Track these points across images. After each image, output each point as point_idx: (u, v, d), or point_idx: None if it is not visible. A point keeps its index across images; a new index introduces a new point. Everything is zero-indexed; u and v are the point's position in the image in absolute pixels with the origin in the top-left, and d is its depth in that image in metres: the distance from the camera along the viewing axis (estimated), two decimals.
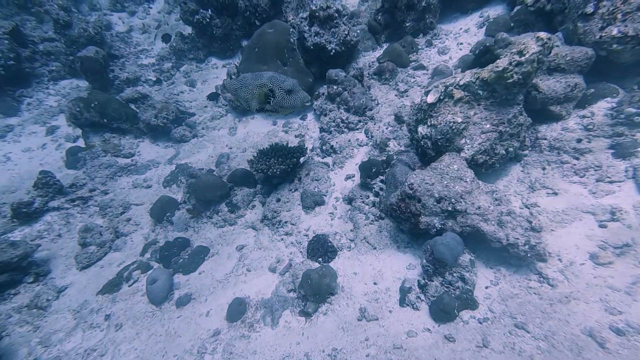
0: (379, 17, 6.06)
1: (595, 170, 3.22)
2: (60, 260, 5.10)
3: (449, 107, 3.53)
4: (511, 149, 3.51)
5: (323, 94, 5.35)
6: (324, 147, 4.94)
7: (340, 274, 3.57)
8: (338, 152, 4.79)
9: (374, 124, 4.87)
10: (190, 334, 3.63)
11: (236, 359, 3.22)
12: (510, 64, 3.17)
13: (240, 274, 4.03)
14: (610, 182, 3.10)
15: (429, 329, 2.91)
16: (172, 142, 6.62)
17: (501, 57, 3.58)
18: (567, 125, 3.51)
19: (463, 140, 3.47)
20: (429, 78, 5.13)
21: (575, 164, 3.34)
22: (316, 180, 4.43)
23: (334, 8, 5.31)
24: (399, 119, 4.69)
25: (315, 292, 3.34)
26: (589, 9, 3.42)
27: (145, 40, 9.35)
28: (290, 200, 4.40)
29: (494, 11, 5.49)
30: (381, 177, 4.00)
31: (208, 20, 7.47)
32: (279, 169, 4.29)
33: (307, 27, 5.42)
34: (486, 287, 3.01)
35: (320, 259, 3.74)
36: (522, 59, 3.12)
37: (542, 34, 3.10)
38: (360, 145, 4.77)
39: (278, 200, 4.44)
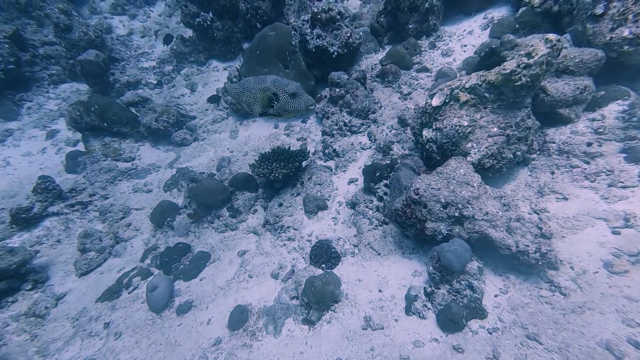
0: (382, 19, 6.00)
1: (606, 175, 3.13)
2: (59, 266, 5.03)
3: (455, 110, 3.45)
4: (519, 153, 3.43)
5: (325, 96, 5.29)
6: (326, 151, 4.86)
7: (344, 281, 3.49)
8: (341, 155, 4.71)
9: (377, 127, 4.79)
10: (191, 342, 3.55)
11: None
12: (518, 66, 3.09)
13: (241, 281, 3.95)
14: (623, 187, 3.02)
15: (436, 339, 2.82)
16: (173, 146, 6.56)
17: (508, 60, 3.51)
18: (576, 128, 3.43)
19: (469, 144, 3.39)
20: (432, 80, 5.06)
21: (585, 168, 3.26)
22: (319, 184, 4.35)
23: (336, 10, 5.25)
24: (402, 122, 4.61)
25: (318, 299, 3.25)
26: (599, 9, 3.35)
27: (146, 44, 9.32)
28: (293, 204, 4.32)
29: (498, 12, 5.43)
30: (385, 182, 3.92)
31: (209, 23, 7.43)
32: (281, 173, 4.22)
33: (309, 30, 5.36)
34: (495, 296, 2.92)
35: (323, 265, 3.66)
36: (531, 61, 3.04)
37: (551, 36, 3.02)
38: (363, 149, 4.70)
39: (280, 204, 4.36)
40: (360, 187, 4.13)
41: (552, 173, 3.44)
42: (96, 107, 6.32)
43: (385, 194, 3.86)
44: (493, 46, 4.12)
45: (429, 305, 3.02)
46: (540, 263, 2.76)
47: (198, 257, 4.35)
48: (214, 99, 6.85)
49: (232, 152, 5.86)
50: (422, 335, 2.87)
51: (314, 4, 5.94)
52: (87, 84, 7.86)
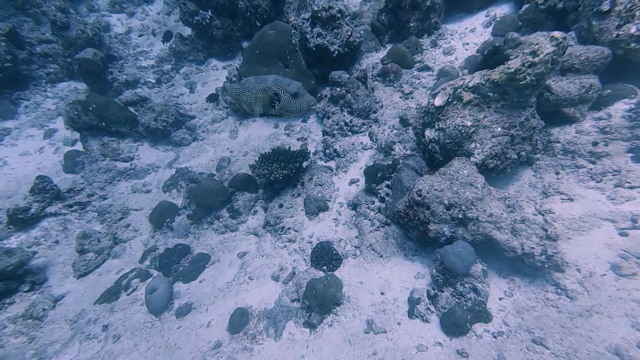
0: (383, 17, 5.93)
1: (613, 175, 3.07)
2: (57, 267, 4.98)
3: (458, 110, 3.40)
4: (523, 153, 3.38)
5: (326, 96, 5.22)
6: (327, 151, 4.80)
7: (346, 283, 3.44)
8: (342, 155, 4.66)
9: (379, 127, 4.74)
10: (191, 346, 3.50)
11: None
12: (523, 65, 3.03)
13: (242, 283, 3.90)
14: (630, 188, 2.96)
15: (440, 343, 2.77)
16: (172, 146, 6.50)
17: (512, 58, 3.45)
18: (581, 127, 3.37)
19: (473, 145, 3.34)
20: (434, 79, 5.00)
21: (591, 169, 3.20)
22: (320, 185, 4.30)
23: (337, 8, 5.18)
24: (404, 121, 4.55)
25: (320, 302, 3.20)
26: (605, 6, 3.29)
27: (144, 42, 9.24)
28: (293, 205, 4.27)
29: (501, 10, 5.36)
30: (387, 182, 3.86)
31: (208, 21, 7.35)
32: (281, 174, 4.16)
33: (309, 28, 5.29)
34: (500, 299, 2.87)
35: (324, 268, 3.61)
36: (536, 59, 2.98)
37: (557, 33, 2.95)
38: (364, 149, 4.64)
39: (280, 205, 4.31)
40: (362, 188, 4.08)
41: (557, 173, 3.38)
42: (94, 106, 6.26)
43: (387, 195, 3.80)
44: (496, 44, 4.07)
45: (432, 308, 2.97)
46: (546, 266, 2.71)
47: (198, 259, 4.29)
48: (212, 98, 6.78)
49: (231, 152, 5.80)
50: (426, 339, 2.82)
51: (314, 2, 5.86)
52: (85, 82, 7.79)
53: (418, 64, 5.35)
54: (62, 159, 6.60)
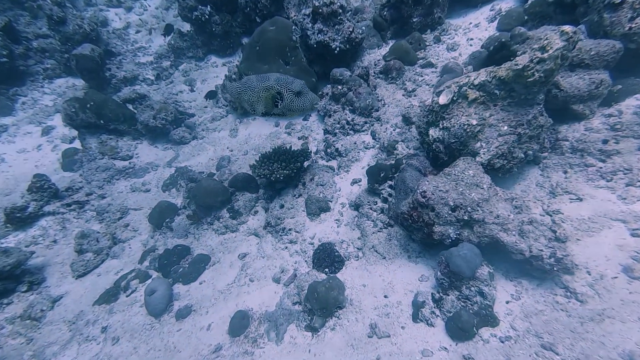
0: (385, 13, 5.81)
1: (624, 174, 2.98)
2: (56, 267, 4.91)
3: (463, 108, 3.30)
4: (530, 152, 3.29)
5: (327, 94, 5.12)
6: (328, 150, 4.72)
7: (348, 286, 3.37)
8: (343, 155, 4.57)
9: (381, 126, 4.64)
10: (191, 349, 3.44)
11: None
12: (531, 61, 2.93)
13: (242, 284, 3.83)
14: None
15: (445, 348, 2.71)
16: (172, 144, 6.41)
17: (519, 54, 3.35)
18: (591, 125, 3.28)
19: (478, 144, 3.24)
20: (437, 76, 4.89)
21: (601, 167, 3.11)
22: (321, 185, 4.21)
23: (338, 4, 5.06)
24: (407, 120, 4.46)
25: (322, 305, 3.14)
26: None
27: (142, 38, 9.12)
28: (294, 206, 4.19)
29: (506, 4, 5.24)
30: (390, 182, 3.78)
31: (207, 16, 7.23)
32: (282, 174, 4.08)
33: (310, 24, 5.18)
34: (507, 302, 2.80)
35: (326, 270, 3.54)
36: (545, 55, 2.87)
37: (567, 28, 2.85)
38: (366, 148, 4.55)
39: (282, 206, 4.23)
40: (364, 188, 4.00)
41: (565, 172, 3.29)
42: (92, 103, 6.16)
43: (390, 195, 3.72)
44: (503, 40, 3.96)
45: (437, 312, 2.91)
46: (555, 269, 2.63)
47: (198, 260, 4.23)
48: (211, 95, 6.68)
49: (231, 151, 5.71)
50: (431, 343, 2.75)
51: None
52: (82, 79, 7.68)
53: (421, 60, 5.24)
54: (60, 157, 6.52)
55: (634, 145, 3.02)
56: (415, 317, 2.96)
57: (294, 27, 5.57)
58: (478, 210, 2.91)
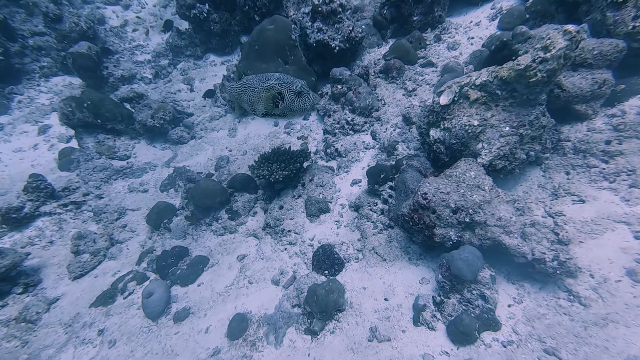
0: (385, 11, 5.75)
1: (627, 175, 2.95)
2: (52, 269, 4.86)
3: (464, 108, 3.26)
4: (532, 153, 3.25)
5: (327, 93, 5.07)
6: (328, 150, 4.67)
7: (348, 289, 3.33)
8: (343, 155, 4.52)
9: (381, 126, 4.60)
10: (189, 352, 3.40)
11: None
12: (533, 60, 2.88)
13: (241, 287, 3.79)
14: None
15: (446, 352, 2.67)
16: (170, 144, 6.35)
17: (521, 53, 3.31)
18: (593, 125, 3.24)
19: (480, 145, 3.20)
20: (438, 76, 4.85)
21: (604, 168, 3.08)
22: (321, 186, 4.17)
23: (338, 2, 5.01)
24: (407, 120, 4.42)
25: (321, 309, 3.09)
26: None
27: (140, 36, 9.03)
28: (294, 207, 4.14)
29: (507, 2, 5.19)
30: (390, 184, 3.74)
31: (205, 15, 7.16)
32: (281, 175, 4.03)
33: (310, 23, 5.12)
34: (509, 306, 2.76)
35: (326, 272, 3.50)
36: (548, 55, 2.83)
37: (570, 27, 2.80)
38: (366, 148, 4.50)
39: (281, 207, 4.18)
40: (364, 189, 3.95)
41: (568, 173, 3.26)
42: (89, 103, 6.09)
43: (391, 196, 3.68)
44: (504, 39, 3.91)
45: (439, 315, 2.87)
46: (558, 272, 2.59)
47: (196, 262, 4.18)
48: (209, 94, 6.61)
49: (230, 151, 5.66)
50: (432, 348, 2.72)
51: None
52: (79, 77, 7.60)
53: (421, 59, 5.20)
54: (56, 157, 6.45)
55: (637, 146, 2.99)
56: (416, 321, 2.93)
57: (293, 25, 5.51)
58: (479, 213, 2.87)
